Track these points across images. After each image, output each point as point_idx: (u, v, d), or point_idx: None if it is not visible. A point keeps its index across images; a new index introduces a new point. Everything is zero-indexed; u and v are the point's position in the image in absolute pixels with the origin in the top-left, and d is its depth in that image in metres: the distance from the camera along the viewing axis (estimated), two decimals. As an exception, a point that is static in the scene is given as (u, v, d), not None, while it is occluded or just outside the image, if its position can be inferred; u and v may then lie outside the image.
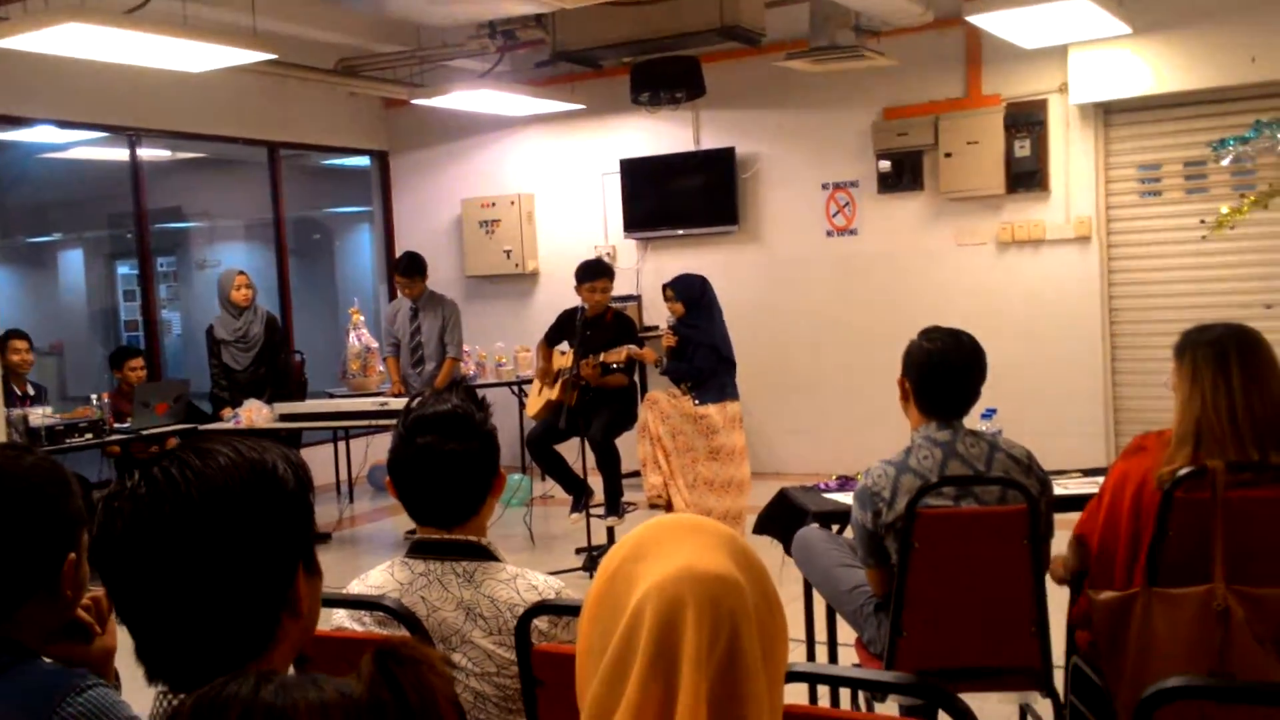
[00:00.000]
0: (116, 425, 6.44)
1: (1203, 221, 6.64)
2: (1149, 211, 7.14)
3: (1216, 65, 6.60)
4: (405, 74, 8.07)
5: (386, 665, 0.83)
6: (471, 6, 6.91)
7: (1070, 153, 7.23)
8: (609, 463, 6.26)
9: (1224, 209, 5.99)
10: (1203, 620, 2.51)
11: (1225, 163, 6.30)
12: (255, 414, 6.42)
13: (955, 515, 2.79)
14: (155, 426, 6.46)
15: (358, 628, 2.18)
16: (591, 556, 5.91)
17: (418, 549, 2.18)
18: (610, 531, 6.05)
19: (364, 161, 9.76)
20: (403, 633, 2.04)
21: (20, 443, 5.03)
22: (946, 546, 2.77)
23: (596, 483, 6.38)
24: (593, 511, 6.23)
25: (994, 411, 3.63)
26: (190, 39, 5.34)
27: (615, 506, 6.18)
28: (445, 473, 2.12)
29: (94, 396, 6.41)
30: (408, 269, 7.08)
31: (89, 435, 6.19)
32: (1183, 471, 2.57)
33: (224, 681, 0.83)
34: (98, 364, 8.37)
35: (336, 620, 2.19)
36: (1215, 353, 2.62)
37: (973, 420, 3.19)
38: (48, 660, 1.61)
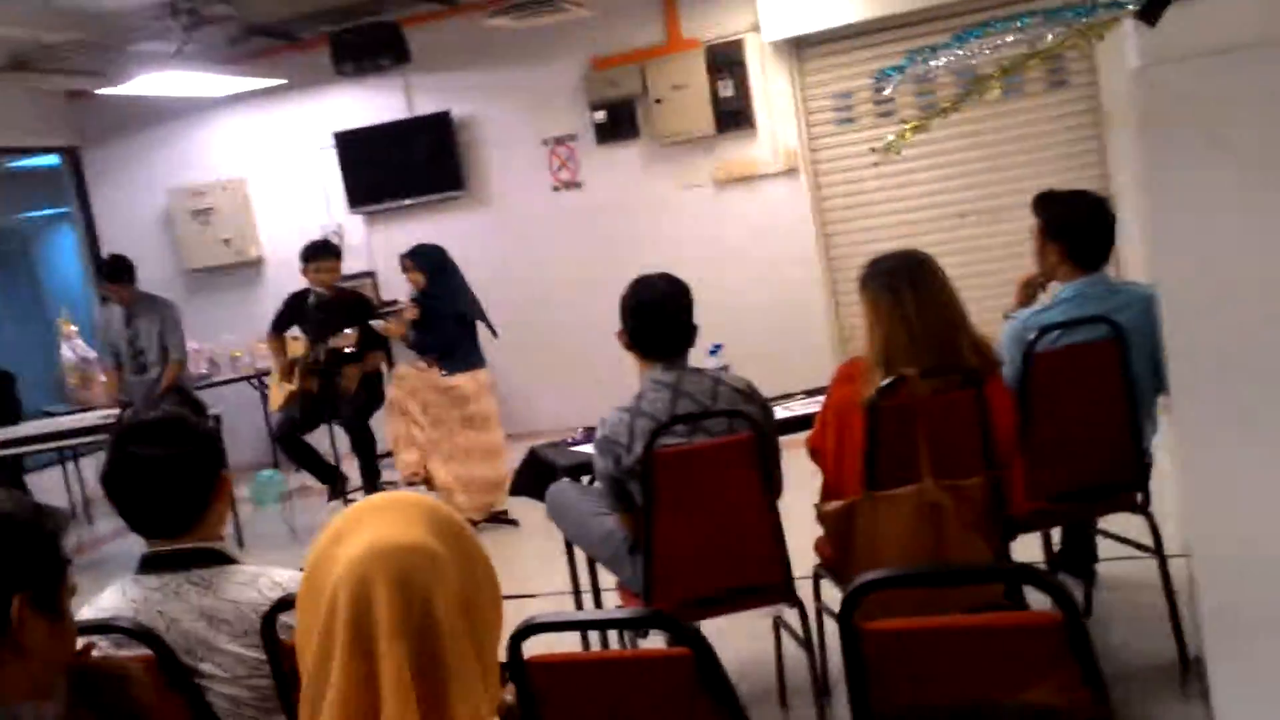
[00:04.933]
0: None
1: (873, 149, 7.11)
2: (847, 139, 7.55)
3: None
4: (87, 63, 7.52)
5: (83, 684, 0.83)
6: (146, -14, 6.51)
7: (770, 89, 7.55)
8: (363, 445, 6.17)
9: (888, 137, 6.44)
10: (918, 516, 2.76)
11: (886, 92, 6.74)
12: (-36, 446, 5.94)
13: (689, 451, 2.93)
14: None
15: (99, 653, 2.10)
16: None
17: (148, 564, 2.14)
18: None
19: (54, 160, 9.07)
20: (142, 652, 1.99)
21: None
22: (685, 481, 2.91)
23: (351, 467, 6.27)
24: (350, 497, 6.12)
25: (720, 347, 3.81)
26: None
27: (373, 488, 6.11)
28: (156, 480, 2.08)
29: None
30: (111, 274, 6.67)
31: None
32: (884, 382, 2.81)
33: None
34: None
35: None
36: (888, 282, 2.91)
37: (700, 356, 3.35)
38: None
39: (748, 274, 7.57)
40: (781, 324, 7.47)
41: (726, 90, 7.56)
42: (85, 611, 2.10)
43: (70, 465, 7.50)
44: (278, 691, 2.04)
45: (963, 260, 6.82)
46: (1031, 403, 3.10)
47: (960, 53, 2.04)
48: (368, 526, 1.24)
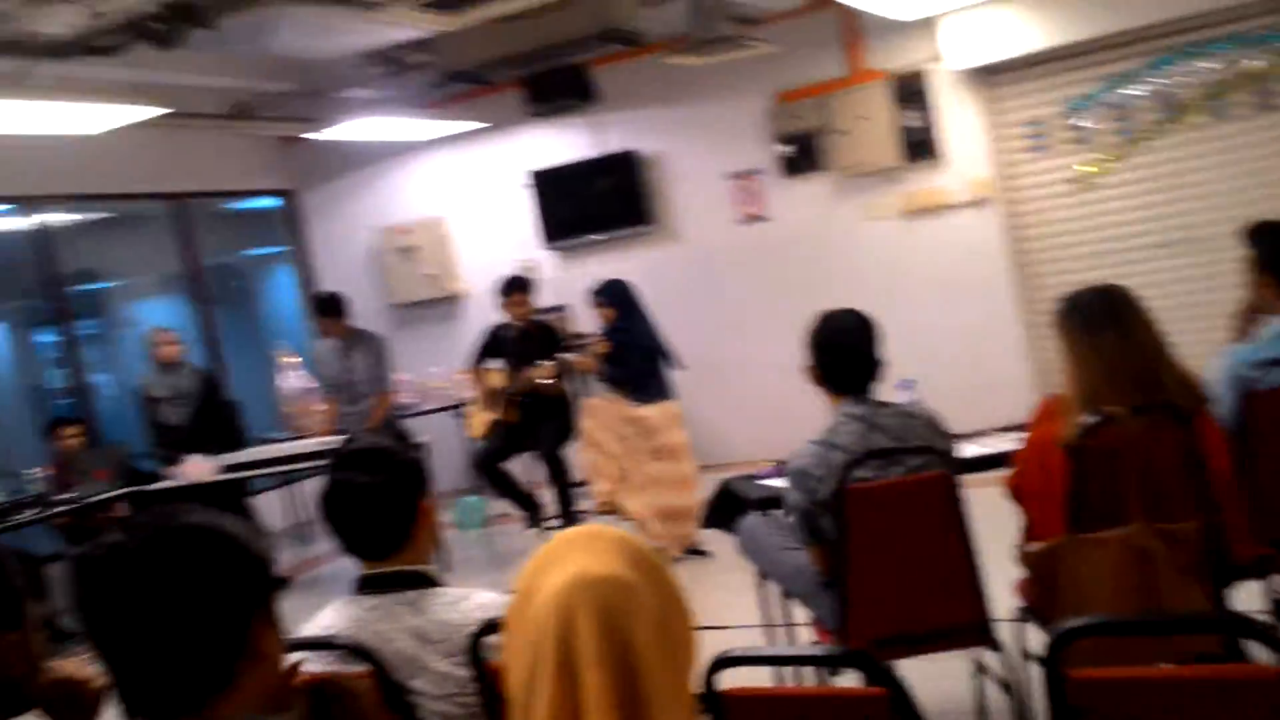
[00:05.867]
0: (60, 497, 6.36)
1: (1068, 181, 6.86)
2: (1040, 167, 7.34)
3: (1084, 18, 6.77)
4: (300, 110, 8.04)
5: (319, 700, 0.91)
6: (353, 39, 6.90)
7: (957, 118, 7.41)
8: (559, 473, 6.33)
9: (1077, 168, 6.26)
10: (1126, 560, 2.65)
11: (1076, 123, 6.53)
12: (197, 469, 6.37)
13: (884, 486, 2.90)
14: (98, 494, 6.39)
15: (320, 668, 2.22)
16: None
17: (363, 585, 2.25)
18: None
19: (274, 202, 9.69)
20: (359, 669, 2.10)
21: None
22: (879, 517, 2.89)
23: (546, 495, 6.44)
24: (547, 525, 6.27)
25: (913, 381, 3.75)
26: (78, 100, 5.31)
27: (569, 517, 6.24)
28: (363, 505, 2.20)
29: (31, 471, 6.34)
30: (326, 309, 7.07)
31: (34, 510, 6.13)
32: (1086, 421, 2.72)
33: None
34: (30, 437, 8.22)
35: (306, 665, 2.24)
36: (1086, 319, 2.81)
37: (889, 390, 3.32)
38: None
39: (937, 306, 7.43)
40: (973, 358, 7.30)
41: (912, 120, 7.47)
42: (307, 629, 2.23)
43: (289, 489, 7.96)
44: (485, 709, 2.12)
45: (1163, 292, 6.53)
46: (1250, 442, 2.95)
47: (1158, 79, 1.98)
48: (570, 559, 1.30)
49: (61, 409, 8.50)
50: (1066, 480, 2.75)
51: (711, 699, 1.79)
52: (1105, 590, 2.62)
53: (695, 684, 1.37)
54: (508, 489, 6.49)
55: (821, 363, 3.10)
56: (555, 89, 7.33)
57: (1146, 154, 6.92)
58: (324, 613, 2.27)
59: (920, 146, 7.47)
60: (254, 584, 1.42)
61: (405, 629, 2.16)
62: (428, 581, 2.23)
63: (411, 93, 8.12)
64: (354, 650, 2.12)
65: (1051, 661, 1.54)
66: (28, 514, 6.09)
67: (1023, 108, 7.35)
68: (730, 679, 1.78)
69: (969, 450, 3.54)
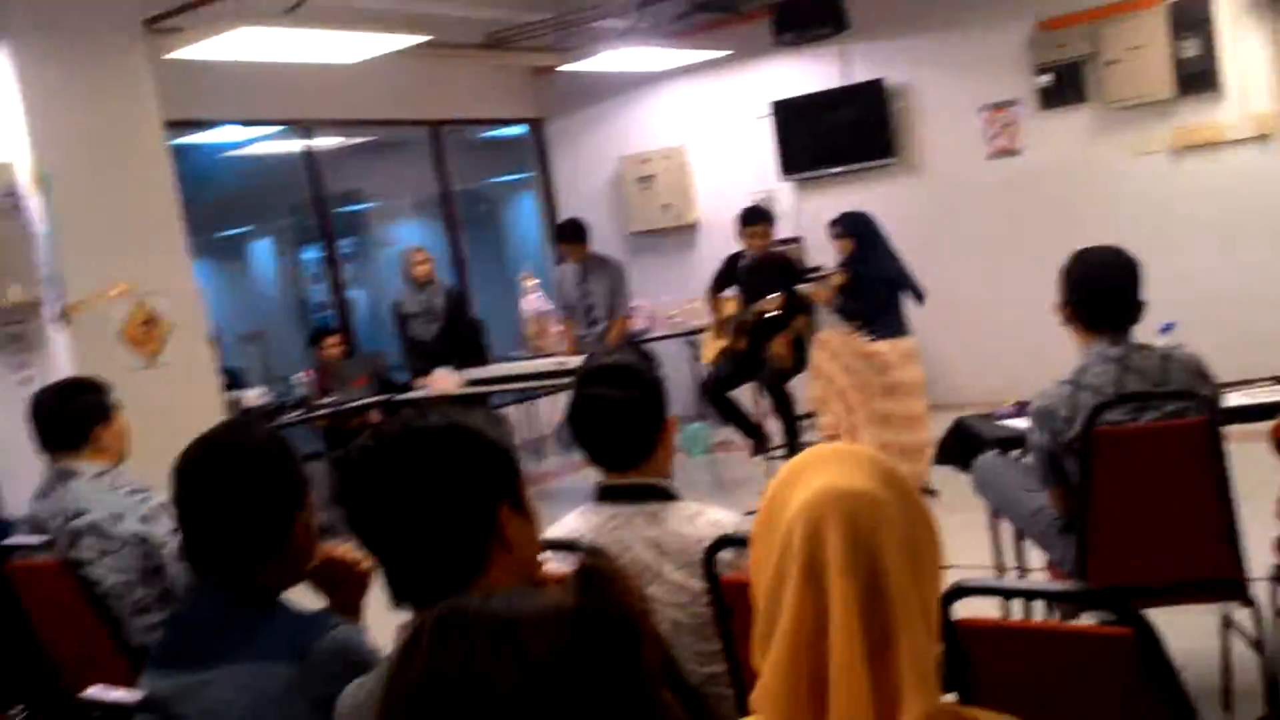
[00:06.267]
0: (321, 401, 6.85)
1: None
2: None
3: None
4: (550, 40, 8.22)
5: (590, 579, 0.96)
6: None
7: (1240, 47, 6.83)
8: (783, 406, 6.34)
9: None
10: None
11: None
12: (444, 381, 6.72)
13: (1136, 431, 2.77)
14: (356, 400, 6.85)
15: (565, 568, 2.34)
16: (773, 498, 6.01)
17: (605, 494, 2.34)
18: (790, 473, 6.12)
19: (520, 130, 10.00)
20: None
21: (246, 418, 5.49)
22: (1128, 463, 2.76)
23: (772, 425, 6.46)
24: (772, 455, 6.31)
25: (1173, 325, 3.55)
26: (346, 29, 5.61)
27: (794, 448, 6.26)
28: (611, 418, 2.28)
29: (295, 376, 6.86)
30: (568, 235, 7.28)
31: (299, 412, 6.63)
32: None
33: (458, 598, 0.97)
34: (295, 346, 8.88)
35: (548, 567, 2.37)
36: None
37: (1149, 334, 3.15)
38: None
39: (1207, 248, 6.95)
40: (1246, 303, 6.79)
41: (1190, 50, 6.94)
42: (552, 531, 2.35)
43: (526, 406, 8.32)
44: (715, 621, 2.18)
45: None
46: None
47: None
48: (820, 472, 1.32)
49: (324, 321, 9.14)
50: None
51: (946, 627, 1.78)
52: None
53: (938, 607, 1.37)
54: (734, 416, 6.55)
55: (1076, 299, 2.95)
56: (807, 16, 7.20)
57: None
58: (568, 517, 2.38)
59: (1197, 78, 6.95)
60: (498, 474, 1.52)
61: (643, 538, 2.23)
62: (667, 495, 2.29)
63: (661, 22, 8.17)
64: (594, 554, 2.22)
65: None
66: (292, 415, 6.60)
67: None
68: (962, 612, 1.76)
69: (1234, 399, 3.33)
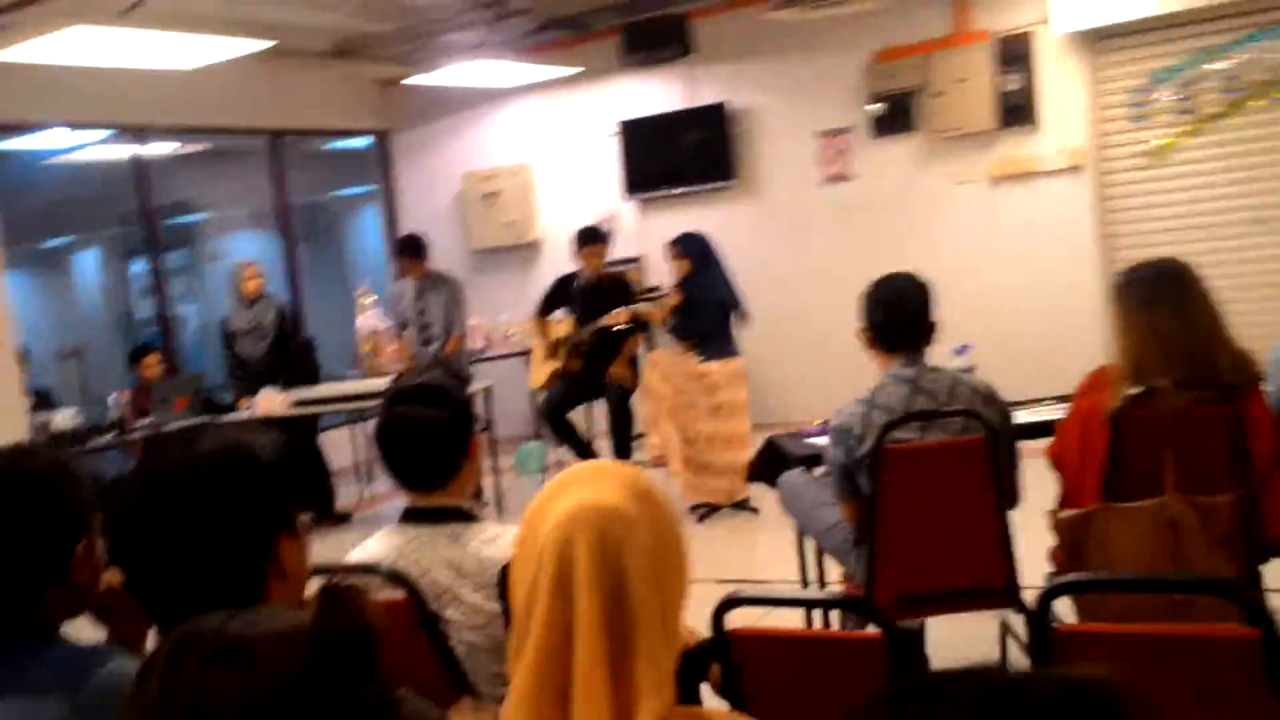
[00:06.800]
0: (137, 424, 6.57)
1: (1144, 155, 6.69)
2: (1138, 137, 7.13)
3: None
4: (399, 52, 8.16)
5: (330, 599, 0.99)
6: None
7: (1058, 84, 7.24)
8: (622, 423, 6.42)
9: (1153, 142, 6.14)
10: (1156, 531, 2.65)
11: (1161, 97, 6.39)
12: (270, 402, 6.55)
13: (920, 448, 2.93)
14: (175, 421, 6.61)
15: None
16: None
17: (407, 516, 2.35)
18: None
19: (366, 143, 9.89)
20: (397, 595, 2.22)
21: (29, 444, 5.26)
22: (913, 478, 2.91)
23: (603, 446, 6.54)
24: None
25: (968, 347, 3.75)
26: (186, 33, 5.45)
27: (624, 466, 6.34)
28: (415, 438, 2.29)
29: (112, 396, 6.59)
30: (407, 250, 7.21)
31: (112, 434, 6.39)
32: (1131, 392, 2.72)
33: (201, 617, 0.98)
34: (118, 364, 8.55)
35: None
36: (1142, 291, 2.79)
37: (944, 356, 3.34)
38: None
39: (1019, 273, 7.32)
40: (1051, 327, 7.18)
41: (1012, 84, 7.32)
42: (355, 553, 2.35)
43: (358, 426, 8.17)
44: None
45: (1259, 269, 6.35)
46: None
47: (1252, 54, 1.95)
48: (576, 489, 1.38)
49: (147, 337, 8.82)
50: (1106, 450, 2.76)
51: (719, 638, 1.87)
52: (1132, 559, 2.62)
53: (684, 616, 1.44)
54: (568, 437, 6.62)
55: (873, 323, 3.13)
56: (653, 38, 7.33)
57: (1250, 127, 6.71)
58: (370, 540, 2.38)
59: (1016, 111, 7.32)
60: (276, 502, 1.49)
61: (443, 560, 2.25)
62: (468, 517, 2.32)
63: (510, 38, 8.19)
64: (393, 577, 2.23)
65: (1039, 616, 1.58)
66: (103, 439, 6.34)
67: (1128, 75, 7.12)
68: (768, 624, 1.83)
69: (1023, 417, 3.53)
